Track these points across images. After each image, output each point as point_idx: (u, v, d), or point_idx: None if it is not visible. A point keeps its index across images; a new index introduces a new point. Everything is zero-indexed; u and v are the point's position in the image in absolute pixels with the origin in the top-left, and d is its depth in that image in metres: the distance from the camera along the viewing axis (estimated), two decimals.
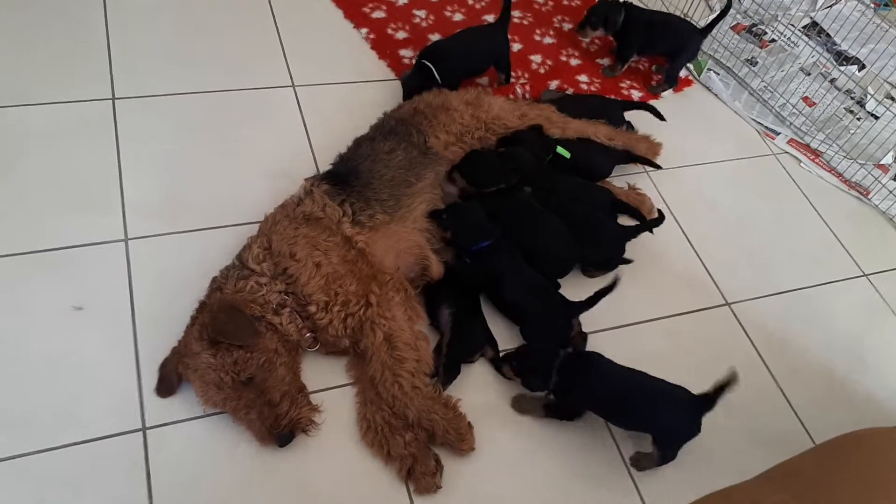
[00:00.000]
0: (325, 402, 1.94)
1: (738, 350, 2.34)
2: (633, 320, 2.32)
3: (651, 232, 2.39)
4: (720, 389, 1.86)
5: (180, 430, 1.87)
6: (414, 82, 2.61)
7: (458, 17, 3.15)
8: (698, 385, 1.89)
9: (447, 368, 2.00)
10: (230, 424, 1.87)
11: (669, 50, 3.01)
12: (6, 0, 2.73)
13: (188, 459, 1.82)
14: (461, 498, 1.87)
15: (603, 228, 2.34)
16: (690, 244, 2.58)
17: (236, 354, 1.77)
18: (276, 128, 2.59)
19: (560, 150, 2.45)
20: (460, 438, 1.89)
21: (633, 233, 2.37)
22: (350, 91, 2.78)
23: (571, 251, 2.26)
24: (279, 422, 1.78)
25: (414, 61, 2.71)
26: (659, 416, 1.91)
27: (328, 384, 2.01)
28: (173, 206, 2.30)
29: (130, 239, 2.19)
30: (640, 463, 1.99)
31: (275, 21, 2.94)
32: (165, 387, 1.89)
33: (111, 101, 2.52)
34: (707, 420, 1.90)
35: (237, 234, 2.22)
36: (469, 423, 1.93)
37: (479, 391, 2.05)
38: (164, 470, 1.80)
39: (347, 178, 2.15)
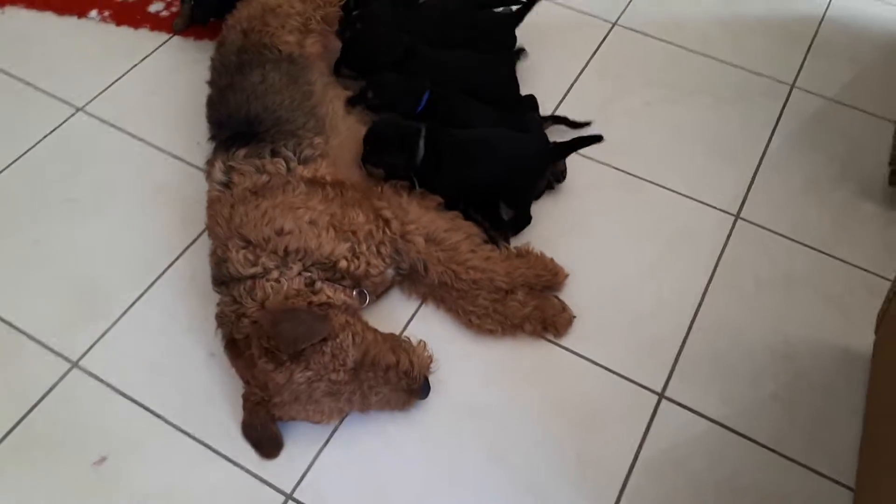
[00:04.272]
0: (414, 337, 1.71)
1: (657, 53, 2.42)
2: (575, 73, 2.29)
3: None
4: (579, 142, 1.90)
5: (320, 471, 1.58)
6: (202, 10, 2.29)
7: None
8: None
9: (497, 226, 1.88)
10: (358, 422, 1.63)
11: None
12: None
13: (352, 490, 1.56)
14: (592, 315, 1.79)
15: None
16: None
17: (327, 349, 1.48)
18: (102, 158, 2.11)
19: None
20: (553, 272, 1.80)
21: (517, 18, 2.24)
22: (140, 75, 2.31)
23: None
24: (411, 375, 1.56)
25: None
26: (509, 169, 1.84)
27: (401, 323, 1.79)
28: (94, 298, 1.84)
29: (78, 362, 1.74)
30: (496, 240, 1.83)
31: None
32: (269, 445, 1.57)
33: None
34: None
35: (174, 280, 1.87)
36: (549, 257, 1.83)
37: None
38: None
39: (251, 128, 1.80)
